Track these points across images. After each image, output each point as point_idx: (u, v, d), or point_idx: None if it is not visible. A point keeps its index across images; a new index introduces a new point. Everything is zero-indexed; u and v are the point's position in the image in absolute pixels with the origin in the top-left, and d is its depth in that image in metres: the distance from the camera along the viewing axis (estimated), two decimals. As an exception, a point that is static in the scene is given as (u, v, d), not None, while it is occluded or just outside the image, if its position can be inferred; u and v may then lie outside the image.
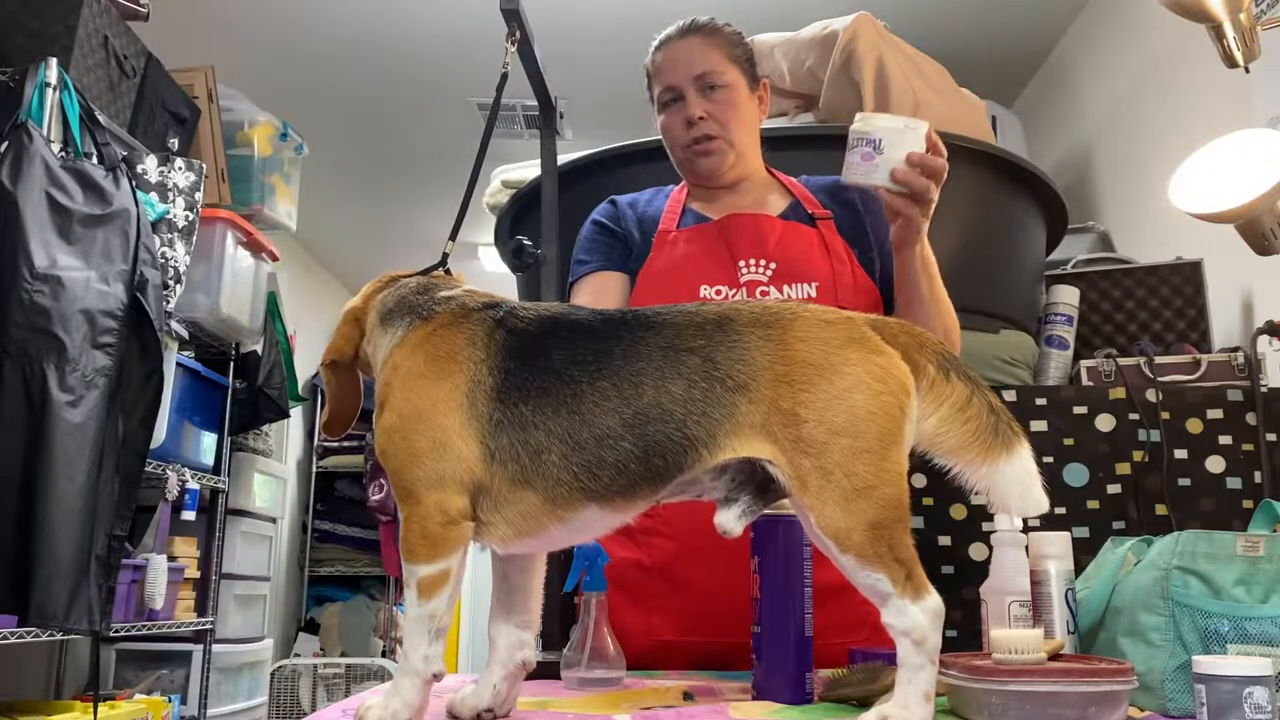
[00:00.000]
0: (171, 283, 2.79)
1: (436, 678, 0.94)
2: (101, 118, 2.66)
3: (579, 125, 4.41)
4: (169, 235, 2.83)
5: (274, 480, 4.40)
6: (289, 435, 5.32)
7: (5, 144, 2.37)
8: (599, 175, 2.42)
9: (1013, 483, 0.95)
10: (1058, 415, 2.11)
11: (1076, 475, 2.08)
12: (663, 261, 1.55)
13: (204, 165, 3.02)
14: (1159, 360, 2.33)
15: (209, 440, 3.53)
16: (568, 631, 1.29)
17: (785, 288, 1.50)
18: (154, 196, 2.80)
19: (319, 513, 5.85)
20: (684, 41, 1.59)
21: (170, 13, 3.35)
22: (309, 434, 5.98)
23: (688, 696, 1.14)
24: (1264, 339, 2.27)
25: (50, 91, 2.50)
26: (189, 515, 3.28)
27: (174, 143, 3.02)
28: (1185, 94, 2.87)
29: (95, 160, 2.57)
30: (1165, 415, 2.09)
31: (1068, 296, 2.65)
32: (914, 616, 0.89)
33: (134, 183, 2.66)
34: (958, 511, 2.08)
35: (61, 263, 2.36)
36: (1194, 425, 2.09)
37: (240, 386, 3.69)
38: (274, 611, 4.99)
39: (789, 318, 0.97)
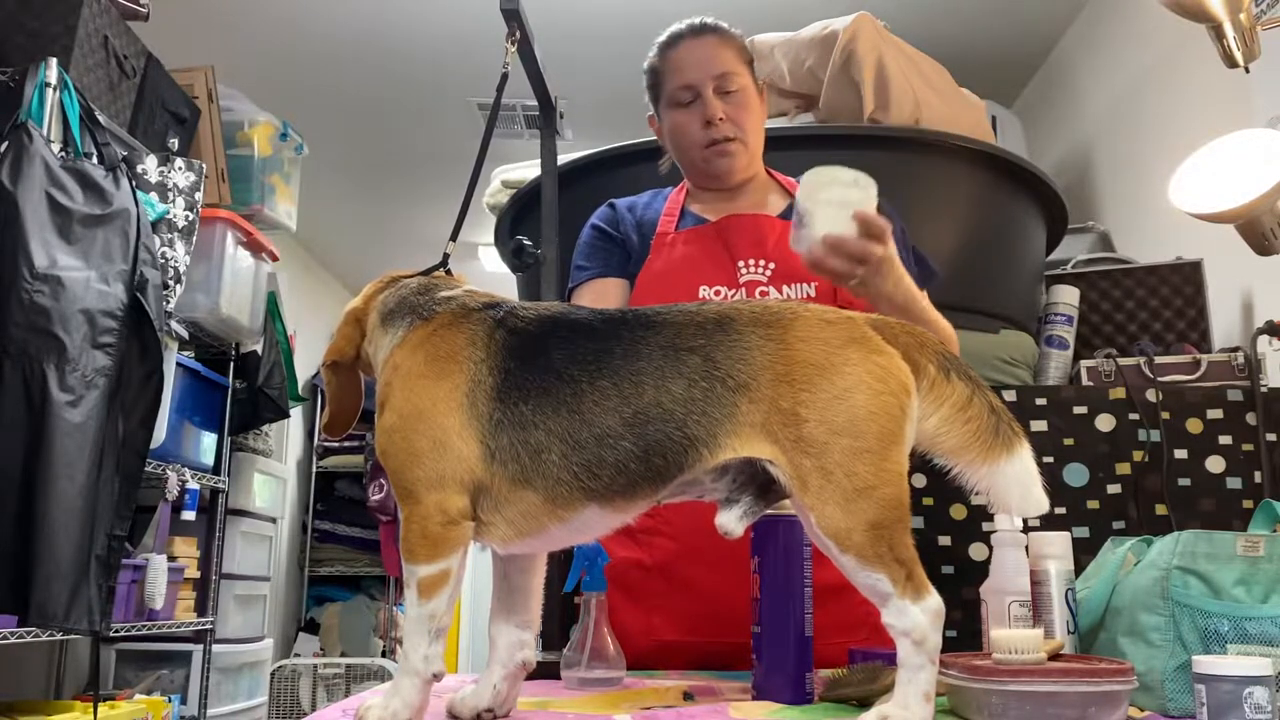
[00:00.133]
0: (171, 283, 2.79)
1: (436, 678, 0.94)
2: (101, 118, 2.66)
3: (579, 125, 4.41)
4: (169, 235, 2.83)
5: (274, 480, 4.40)
6: (289, 435, 5.32)
7: (5, 144, 2.37)
8: (599, 175, 2.42)
9: (1013, 483, 0.95)
10: (1058, 415, 2.11)
11: (1076, 475, 2.09)
12: (661, 263, 1.55)
13: (204, 165, 3.02)
14: (1159, 360, 2.33)
15: (209, 440, 3.53)
16: (568, 631, 1.29)
17: (785, 288, 1.51)
18: (154, 196, 2.80)
19: (319, 513, 5.85)
20: (700, 41, 1.58)
21: (170, 13, 3.35)
22: (309, 434, 5.98)
23: (688, 696, 1.14)
24: (1264, 339, 2.27)
25: (50, 91, 2.50)
26: (189, 515, 3.27)
27: (174, 143, 3.01)
28: (1185, 94, 2.87)
29: (95, 160, 2.57)
30: (1165, 415, 2.09)
31: (1068, 296, 2.65)
32: (914, 616, 0.89)
33: (134, 183, 2.66)
34: (958, 511, 2.08)
35: (61, 263, 2.36)
36: (1194, 425, 2.09)
37: (240, 386, 3.69)
38: (274, 611, 4.99)
39: (790, 317, 0.97)
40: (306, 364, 5.55)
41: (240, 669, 3.92)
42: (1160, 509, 2.05)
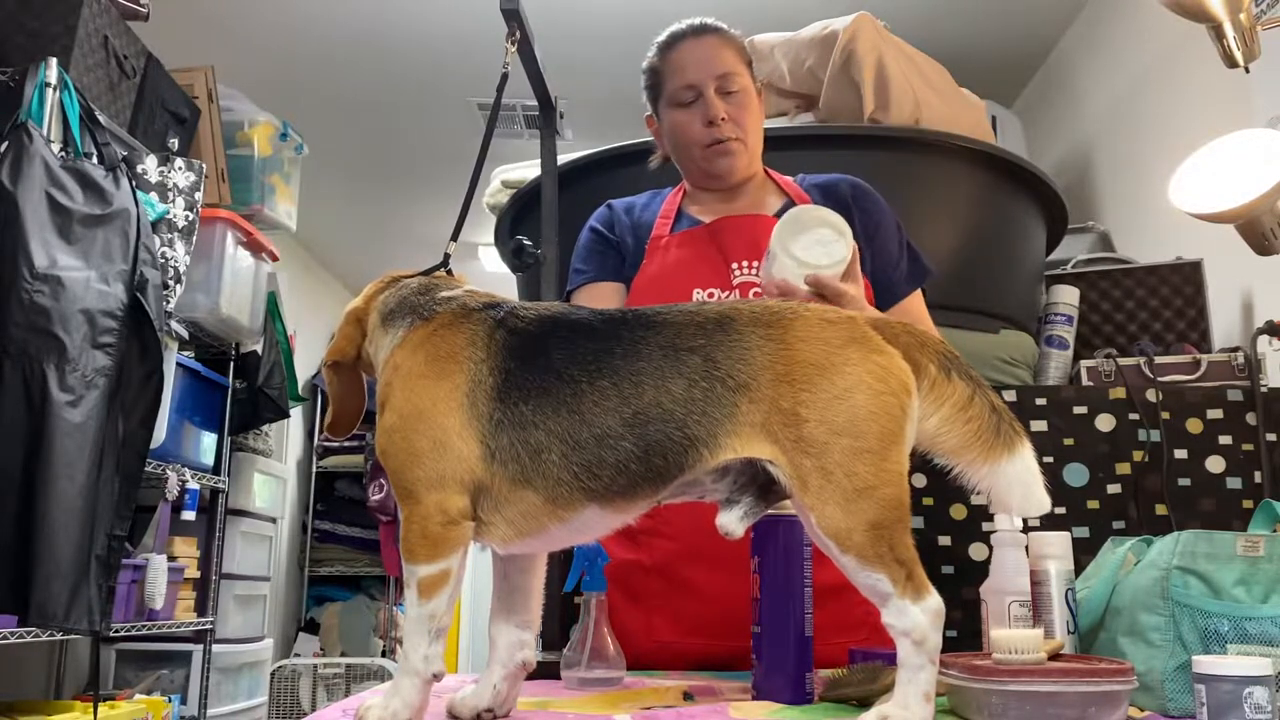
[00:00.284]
0: (171, 283, 2.79)
1: (436, 678, 0.94)
2: (101, 118, 2.66)
3: (579, 125, 4.41)
4: (169, 235, 2.83)
5: (274, 480, 4.40)
6: (289, 435, 5.32)
7: (5, 144, 2.37)
8: (599, 175, 2.42)
9: (1014, 483, 0.95)
10: (1058, 415, 2.11)
11: (1076, 475, 2.09)
12: (656, 267, 1.55)
13: (204, 165, 3.02)
14: (1159, 360, 2.33)
15: (209, 440, 3.53)
16: (568, 631, 1.29)
17: None
18: (154, 196, 2.80)
19: (319, 513, 5.85)
20: (701, 41, 1.58)
21: (170, 13, 3.35)
22: (309, 434, 5.98)
23: (688, 696, 1.14)
24: (1264, 339, 2.27)
25: (50, 91, 2.50)
26: (189, 515, 3.27)
27: (174, 143, 3.02)
28: (1185, 94, 2.87)
29: (95, 160, 2.57)
30: (1165, 415, 2.09)
31: (1068, 296, 2.65)
32: (914, 617, 0.89)
33: (134, 183, 2.66)
34: (958, 511, 2.08)
35: (61, 263, 2.36)
36: (1194, 425, 2.09)
37: (240, 386, 3.69)
38: (274, 611, 4.99)
39: (790, 317, 0.97)
40: (306, 364, 5.56)
41: (240, 669, 3.92)
42: (1160, 509, 2.05)
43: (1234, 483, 2.05)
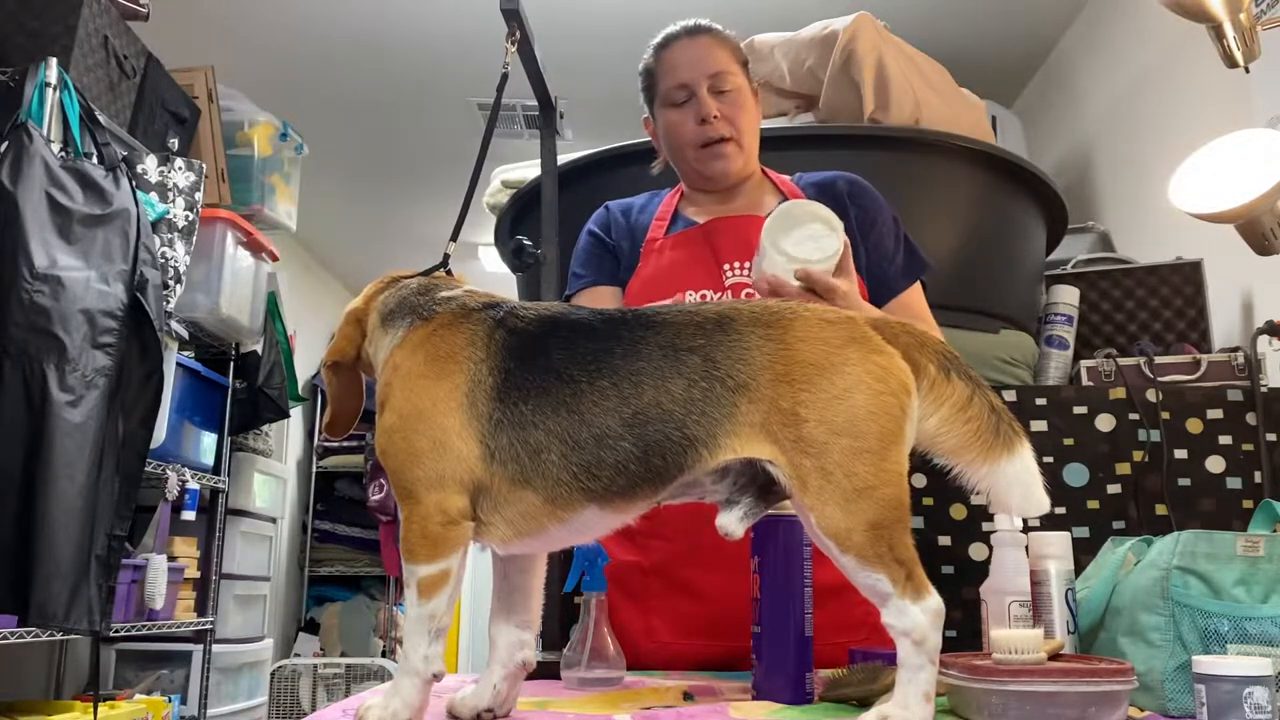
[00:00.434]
0: (171, 283, 2.79)
1: (436, 678, 0.94)
2: (101, 118, 2.66)
3: (579, 125, 4.41)
4: (169, 235, 2.83)
5: (274, 480, 4.40)
6: (289, 435, 5.32)
7: (5, 144, 2.37)
8: (599, 175, 2.42)
9: (1014, 483, 0.95)
10: (1058, 415, 2.11)
11: (1076, 475, 2.08)
12: (649, 269, 1.55)
13: (204, 165, 3.02)
14: (1159, 360, 2.33)
15: (209, 440, 3.53)
16: (568, 631, 1.29)
17: None
18: (154, 196, 2.80)
19: (319, 513, 5.85)
20: (694, 41, 1.58)
21: (170, 13, 3.35)
22: (309, 434, 5.98)
23: (688, 696, 1.14)
24: (1264, 339, 2.27)
25: (50, 91, 2.50)
26: (189, 515, 3.27)
27: (174, 143, 3.02)
28: (1185, 94, 2.87)
29: (95, 160, 2.57)
30: (1165, 415, 2.09)
31: (1068, 296, 2.65)
32: (914, 617, 0.89)
33: (134, 183, 2.66)
34: (958, 511, 2.08)
35: (61, 263, 2.36)
36: (1194, 425, 2.09)
37: (240, 386, 3.69)
38: (274, 611, 4.99)
39: (789, 317, 0.97)
40: (306, 364, 5.55)
41: (240, 669, 3.92)
42: (1160, 509, 2.05)
43: (1234, 483, 2.05)
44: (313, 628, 5.61)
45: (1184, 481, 2.06)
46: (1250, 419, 2.07)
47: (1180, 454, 2.07)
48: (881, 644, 1.09)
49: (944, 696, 1.02)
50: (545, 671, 1.25)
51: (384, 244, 6.12)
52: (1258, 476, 2.05)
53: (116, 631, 2.92)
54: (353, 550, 5.78)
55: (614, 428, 0.94)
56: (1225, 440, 2.07)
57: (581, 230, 1.68)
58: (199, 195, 2.96)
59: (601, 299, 1.58)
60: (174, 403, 3.04)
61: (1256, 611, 1.03)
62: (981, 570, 1.22)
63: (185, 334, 3.08)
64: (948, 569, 2.05)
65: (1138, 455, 2.08)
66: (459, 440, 0.95)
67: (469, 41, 3.83)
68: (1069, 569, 1.17)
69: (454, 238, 1.22)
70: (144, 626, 3.07)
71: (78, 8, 2.64)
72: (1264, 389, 2.14)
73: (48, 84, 2.50)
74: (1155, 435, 2.08)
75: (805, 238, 1.30)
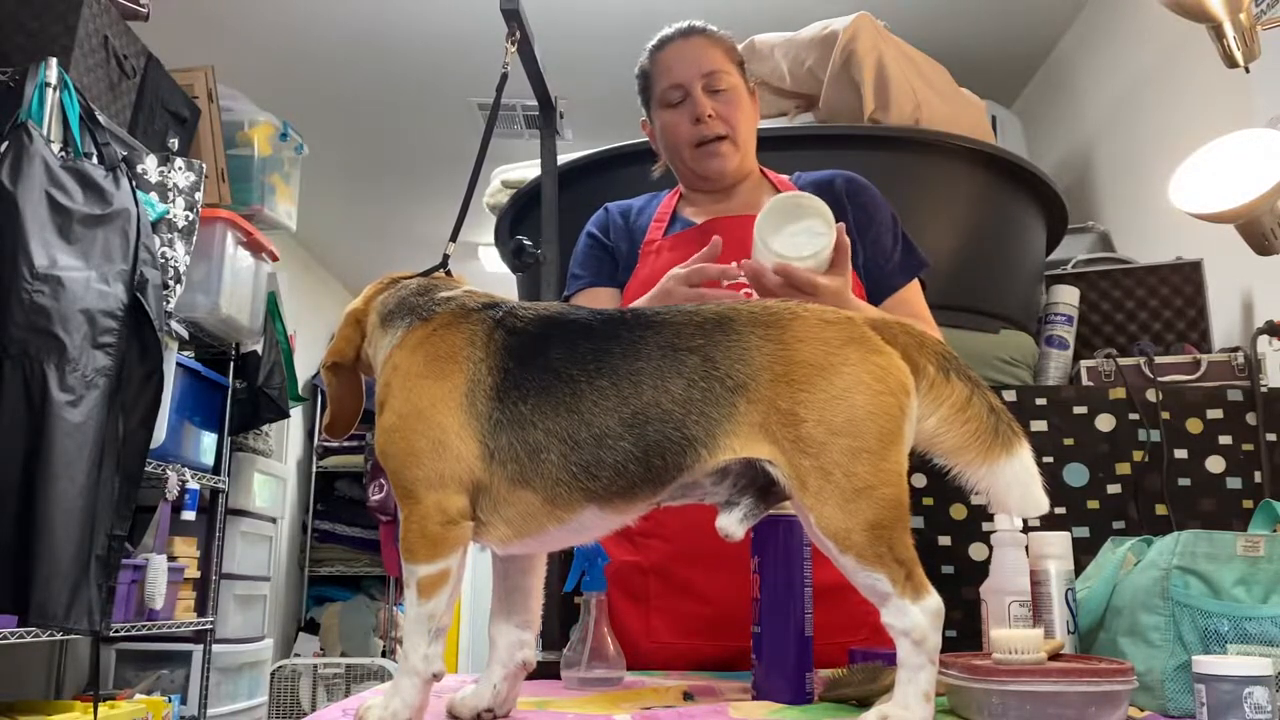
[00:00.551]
0: (171, 283, 2.79)
1: (436, 677, 0.94)
2: (101, 118, 2.66)
3: (579, 125, 4.41)
4: (169, 235, 2.83)
5: (274, 480, 4.40)
6: (289, 435, 5.32)
7: (5, 144, 2.37)
8: (599, 175, 2.42)
9: (1012, 483, 0.95)
10: (1058, 415, 2.11)
11: (1076, 475, 2.08)
12: (647, 271, 1.55)
13: (204, 165, 3.02)
14: (1159, 360, 2.33)
15: (209, 440, 3.53)
16: (568, 631, 1.29)
17: None
18: (154, 196, 2.80)
19: (319, 513, 5.85)
20: (688, 41, 1.58)
21: (170, 13, 3.35)
22: (309, 434, 5.98)
23: (688, 696, 1.14)
24: (1264, 339, 2.27)
25: (50, 91, 2.50)
26: (189, 515, 3.28)
27: (174, 143, 3.02)
28: (1185, 94, 2.87)
29: (95, 160, 2.57)
30: (1165, 415, 2.09)
31: (1068, 296, 2.65)
32: (914, 616, 0.89)
33: (134, 183, 2.66)
34: (958, 511, 2.08)
35: (61, 263, 2.36)
36: (1194, 425, 2.09)
37: (240, 386, 3.69)
38: (274, 611, 4.99)
39: (789, 317, 0.97)
40: (306, 364, 5.55)
41: (240, 669, 3.92)
42: (1160, 509, 2.05)
43: (1234, 483, 2.05)
44: (313, 628, 5.61)
45: (1184, 481, 2.06)
46: (1250, 419, 2.07)
47: (1180, 454, 2.07)
48: (881, 644, 1.09)
49: (944, 696, 1.02)
50: (545, 671, 1.25)
51: (384, 244, 6.12)
52: (1258, 476, 2.05)
53: (116, 631, 2.92)
54: (353, 550, 5.78)
55: (613, 428, 0.94)
56: (1225, 440, 2.07)
57: (581, 231, 1.68)
58: (199, 195, 2.96)
59: (600, 300, 1.58)
60: (174, 403, 3.04)
61: (1256, 611, 1.03)
62: (981, 570, 1.22)
63: (185, 334, 3.08)
64: (948, 569, 2.05)
65: (1138, 455, 2.08)
66: (458, 440, 0.95)
67: (469, 41, 3.83)
68: (1069, 569, 1.17)
69: (453, 238, 1.22)
70: (144, 626, 3.07)
71: (78, 8, 2.64)
72: (1264, 389, 2.14)
73: (48, 84, 2.50)
74: (1155, 435, 2.08)
75: (802, 231, 1.28)
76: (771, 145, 1.68)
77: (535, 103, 1.79)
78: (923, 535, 2.06)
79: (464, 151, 4.61)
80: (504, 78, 1.39)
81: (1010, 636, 0.98)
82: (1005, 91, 3.97)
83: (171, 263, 2.81)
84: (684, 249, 1.54)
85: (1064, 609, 1.14)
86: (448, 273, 1.14)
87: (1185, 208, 1.70)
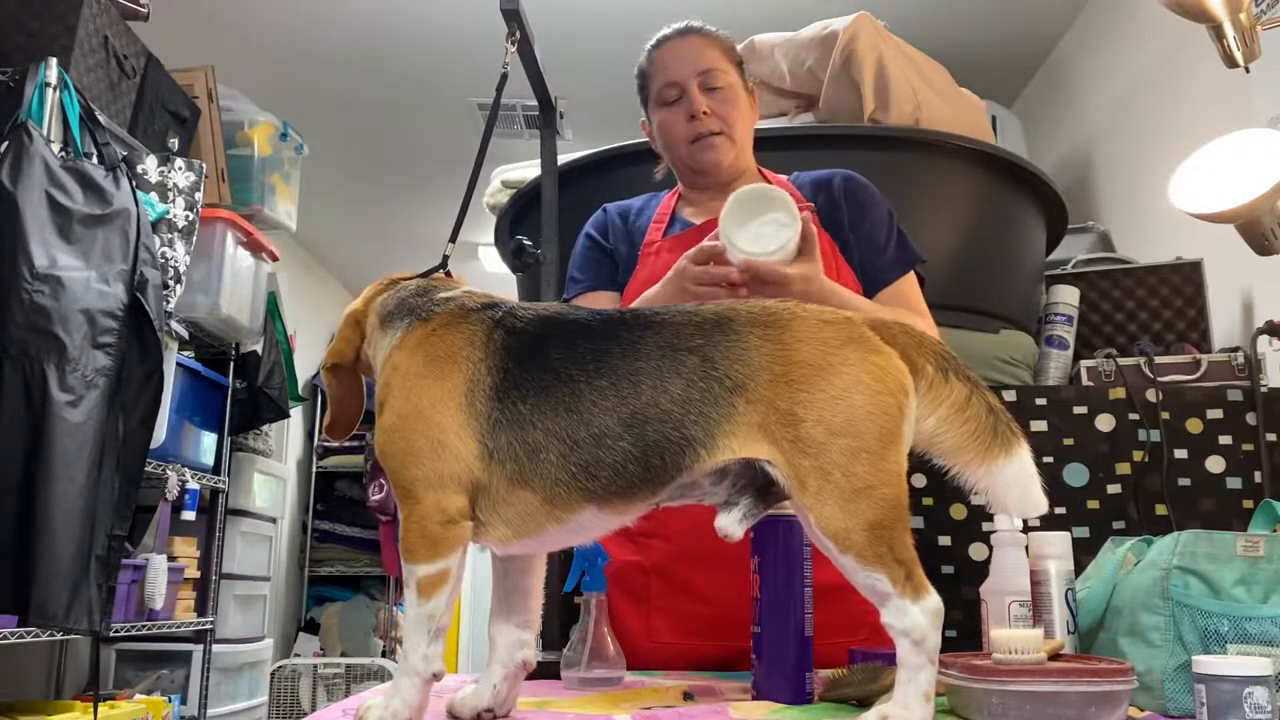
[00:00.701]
0: (171, 283, 2.79)
1: (436, 677, 0.94)
2: (101, 118, 2.66)
3: (579, 125, 4.41)
4: (169, 235, 2.83)
5: (274, 480, 4.40)
6: (289, 435, 5.32)
7: (5, 144, 2.37)
8: (599, 175, 2.42)
9: (1011, 483, 0.95)
10: (1058, 415, 2.11)
11: (1076, 475, 2.08)
12: (647, 272, 1.55)
13: (204, 165, 3.02)
14: (1159, 360, 2.33)
15: (209, 440, 3.53)
16: (568, 631, 1.29)
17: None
18: (154, 196, 2.80)
19: (319, 513, 5.85)
20: (685, 40, 1.59)
21: (170, 13, 3.35)
22: (309, 434, 5.98)
23: (688, 696, 1.14)
24: (1264, 339, 2.27)
25: (50, 91, 2.50)
26: (189, 515, 3.28)
27: (174, 143, 3.02)
28: (1185, 94, 2.87)
29: (95, 160, 2.57)
30: (1165, 415, 2.09)
31: (1068, 296, 2.65)
32: (914, 616, 0.89)
33: (134, 183, 2.66)
34: (958, 511, 2.08)
35: (61, 263, 2.36)
36: (1194, 425, 2.09)
37: (240, 386, 3.69)
38: (274, 611, 4.99)
39: (788, 317, 0.97)
40: (306, 364, 5.55)
41: (240, 669, 3.93)
42: (1160, 509, 2.05)
43: (1234, 483, 2.05)
44: (313, 628, 5.61)
45: (1184, 481, 2.06)
46: (1250, 419, 2.07)
47: (1180, 454, 2.07)
48: (881, 644, 1.09)
49: (944, 696, 1.02)
50: (545, 671, 1.25)
51: (384, 244, 6.12)
52: (1258, 476, 2.05)
53: (116, 631, 2.92)
54: (353, 550, 5.78)
55: (612, 428, 0.94)
56: (1225, 440, 2.07)
57: (580, 232, 1.68)
58: (199, 195, 2.96)
59: (599, 303, 1.58)
60: (174, 403, 3.04)
61: (1256, 611, 1.03)
62: (981, 570, 1.22)
63: (185, 334, 3.08)
64: (948, 569, 2.05)
65: (1138, 455, 2.08)
66: (458, 440, 0.95)
67: (469, 41, 3.83)
68: (1069, 569, 1.17)
69: (453, 239, 1.22)
70: (144, 626, 3.07)
71: (78, 8, 2.64)
72: (1264, 389, 2.14)
73: (48, 84, 2.50)
74: (1155, 435, 2.08)
75: (769, 224, 1.28)
76: (771, 145, 1.68)
77: (535, 103, 1.79)
78: (923, 535, 2.06)
79: (464, 151, 4.61)
80: (504, 78, 1.39)
81: (1010, 636, 0.98)
82: (1005, 91, 3.97)
83: (171, 263, 2.81)
84: (683, 250, 1.54)
85: (1064, 609, 1.14)
86: (447, 273, 1.14)
87: (1185, 208, 1.70)
